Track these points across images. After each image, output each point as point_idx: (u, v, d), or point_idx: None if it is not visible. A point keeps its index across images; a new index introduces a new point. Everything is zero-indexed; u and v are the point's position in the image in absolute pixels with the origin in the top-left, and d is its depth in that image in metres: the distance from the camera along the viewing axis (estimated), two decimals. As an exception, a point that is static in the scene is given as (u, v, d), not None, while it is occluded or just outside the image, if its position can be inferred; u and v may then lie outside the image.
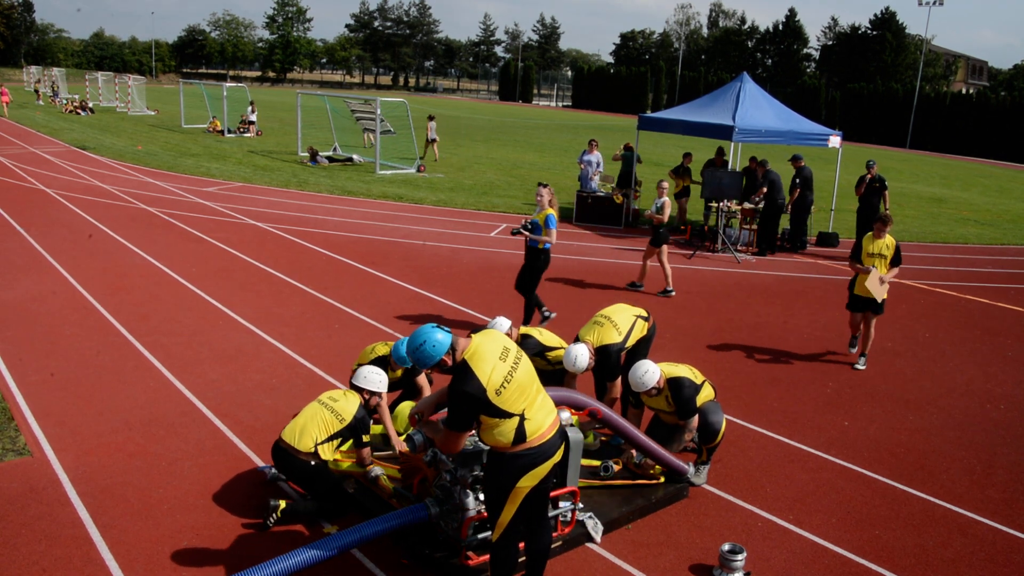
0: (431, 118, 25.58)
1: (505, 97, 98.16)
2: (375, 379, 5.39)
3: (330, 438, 5.09)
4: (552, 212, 8.61)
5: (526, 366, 4.00)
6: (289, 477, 5.15)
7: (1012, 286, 13.16)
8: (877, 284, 8.31)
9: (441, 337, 3.89)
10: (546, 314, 9.07)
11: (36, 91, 48.27)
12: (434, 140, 25.60)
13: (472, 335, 4.01)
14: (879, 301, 8.42)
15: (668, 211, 11.20)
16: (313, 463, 5.03)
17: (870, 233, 8.55)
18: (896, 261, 8.45)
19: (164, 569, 4.53)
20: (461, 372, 3.84)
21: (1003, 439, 6.99)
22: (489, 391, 3.79)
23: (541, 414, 3.98)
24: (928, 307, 11.38)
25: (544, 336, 6.67)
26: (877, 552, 5.10)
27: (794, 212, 15.00)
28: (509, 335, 6.62)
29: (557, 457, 4.05)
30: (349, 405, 5.18)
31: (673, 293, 11.18)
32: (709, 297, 11.28)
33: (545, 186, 8.63)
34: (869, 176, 14.23)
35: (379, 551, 4.79)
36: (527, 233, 8.59)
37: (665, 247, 11.13)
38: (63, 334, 8.19)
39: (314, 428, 5.09)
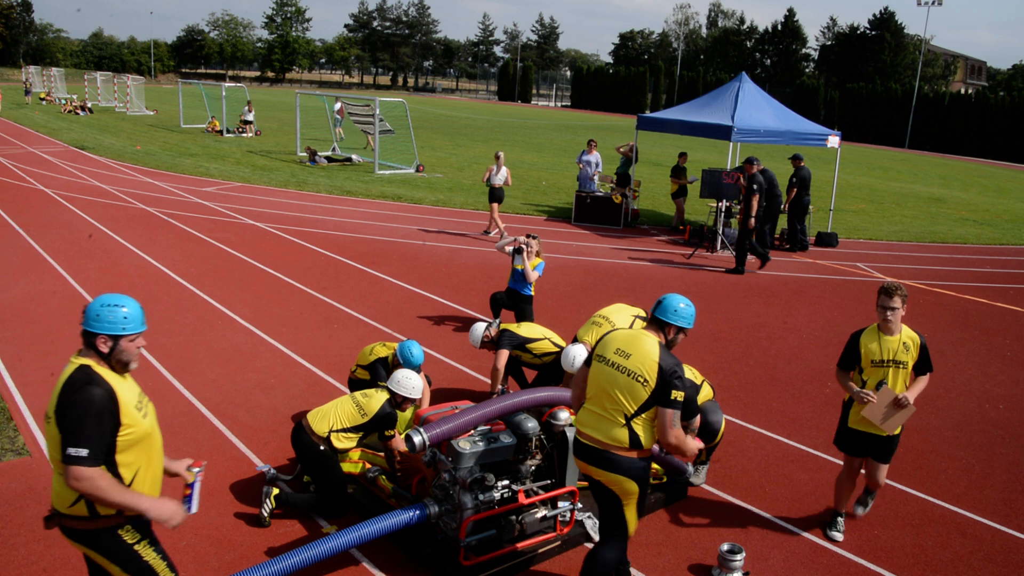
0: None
1: (504, 97, 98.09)
2: (408, 384, 5.33)
3: (346, 430, 5.11)
4: (541, 260, 8.58)
5: (618, 376, 4.03)
6: (299, 458, 5.18)
7: (1011, 286, 13.17)
8: (889, 410, 5.00)
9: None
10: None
11: (47, 93, 47.90)
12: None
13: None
14: (890, 434, 5.13)
15: (490, 175, 14.20)
16: (322, 447, 5.05)
17: (873, 326, 5.18)
18: (923, 368, 5.16)
19: (163, 569, 4.52)
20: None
21: (1002, 439, 6.99)
22: (593, 352, 4.25)
23: (590, 418, 4.12)
24: (927, 307, 11.38)
25: (522, 329, 6.70)
26: (876, 552, 5.10)
27: (791, 212, 14.99)
28: (488, 335, 6.67)
29: (586, 467, 4.15)
30: (374, 402, 5.20)
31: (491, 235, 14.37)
32: (708, 297, 11.28)
33: (535, 238, 8.63)
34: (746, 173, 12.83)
35: (379, 551, 4.79)
36: (527, 267, 8.30)
37: (496, 204, 14.27)
38: (62, 334, 8.19)
39: (334, 416, 5.14)
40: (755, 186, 12.66)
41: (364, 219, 15.30)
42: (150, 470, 3.32)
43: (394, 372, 5.47)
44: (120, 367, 3.26)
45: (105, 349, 3.22)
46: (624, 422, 3.98)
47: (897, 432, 5.14)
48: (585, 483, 5.41)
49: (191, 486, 3.50)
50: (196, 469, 3.54)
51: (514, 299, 8.45)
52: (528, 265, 8.28)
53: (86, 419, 3.03)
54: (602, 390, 4.07)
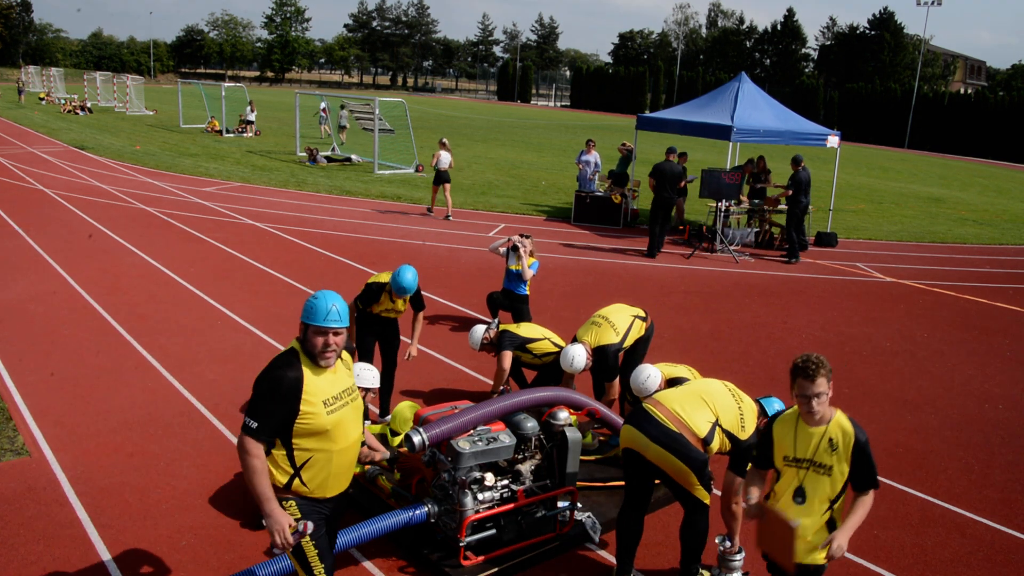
0: (343, 107, 28.92)
1: (503, 97, 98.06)
2: (368, 376, 5.34)
3: None
4: (535, 260, 8.50)
5: (728, 399, 4.54)
6: None
7: (1010, 286, 13.17)
8: (791, 535, 3.44)
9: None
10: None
11: (46, 93, 48.01)
12: (344, 127, 29.25)
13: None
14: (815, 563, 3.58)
15: (436, 161, 15.75)
16: None
17: (790, 411, 3.73)
18: (862, 481, 3.53)
19: (162, 569, 4.53)
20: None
21: (1001, 439, 6.99)
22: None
23: (683, 398, 4.49)
24: (926, 307, 11.39)
25: (521, 329, 6.70)
26: (876, 552, 5.10)
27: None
28: (487, 337, 6.67)
29: (642, 443, 4.35)
30: None
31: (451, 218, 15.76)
32: (707, 297, 11.28)
33: (528, 237, 8.57)
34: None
35: (378, 551, 4.79)
36: (524, 266, 8.26)
37: (444, 185, 15.72)
38: (62, 334, 8.18)
39: None
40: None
41: (363, 219, 15.30)
42: (326, 463, 3.42)
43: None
44: (309, 358, 3.37)
45: (299, 334, 3.43)
46: (713, 420, 4.37)
47: (821, 561, 3.52)
48: (586, 483, 5.43)
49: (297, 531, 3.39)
50: (300, 528, 3.38)
51: (509, 299, 8.44)
52: (525, 264, 8.28)
53: (267, 397, 3.26)
54: (707, 393, 4.51)
